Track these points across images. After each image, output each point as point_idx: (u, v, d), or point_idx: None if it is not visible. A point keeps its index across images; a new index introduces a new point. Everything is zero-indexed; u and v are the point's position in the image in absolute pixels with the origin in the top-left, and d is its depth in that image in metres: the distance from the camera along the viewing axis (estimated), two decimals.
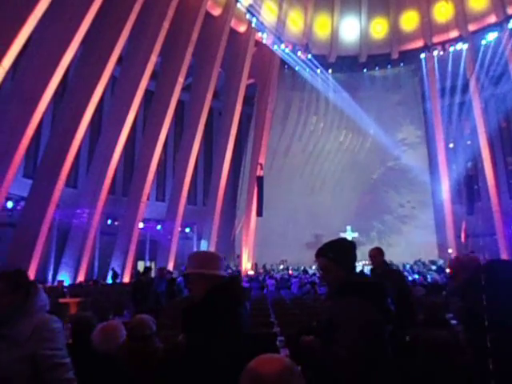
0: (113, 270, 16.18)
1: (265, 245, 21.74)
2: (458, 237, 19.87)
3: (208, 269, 2.00)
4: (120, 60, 16.27)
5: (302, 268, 19.60)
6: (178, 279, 15.19)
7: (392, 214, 22.03)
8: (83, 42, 14.02)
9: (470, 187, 18.95)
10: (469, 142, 20.73)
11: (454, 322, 4.65)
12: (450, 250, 20.17)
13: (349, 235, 21.05)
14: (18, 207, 14.18)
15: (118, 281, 15.85)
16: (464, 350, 2.48)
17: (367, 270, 19.35)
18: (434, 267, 18.92)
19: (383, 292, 1.92)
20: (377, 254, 4.65)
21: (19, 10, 11.28)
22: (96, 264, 17.80)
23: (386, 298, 1.90)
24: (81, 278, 15.26)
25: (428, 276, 15.72)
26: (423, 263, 19.26)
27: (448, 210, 20.68)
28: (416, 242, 20.17)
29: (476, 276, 1.99)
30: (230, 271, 18.22)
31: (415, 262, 19.45)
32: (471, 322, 1.83)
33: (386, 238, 21.24)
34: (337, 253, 2.00)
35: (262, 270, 20.04)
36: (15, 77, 13.28)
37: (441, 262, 19.50)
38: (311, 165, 23.12)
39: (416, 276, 15.80)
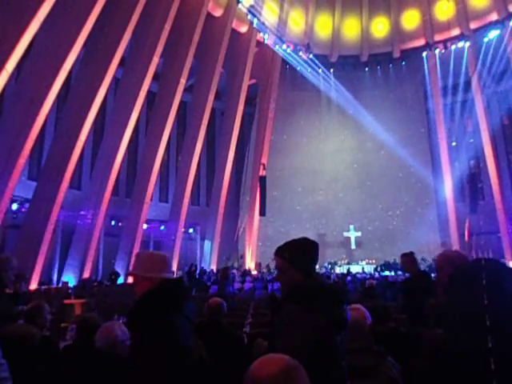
0: (113, 270, 16.24)
1: (268, 245, 21.77)
2: (461, 235, 19.83)
3: (151, 271, 2.00)
4: (122, 62, 16.35)
5: None
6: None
7: (395, 212, 22.01)
8: (86, 45, 14.11)
9: (473, 185, 18.94)
10: (471, 140, 20.70)
11: None
12: (453, 248, 20.16)
13: (352, 234, 21.11)
14: (23, 209, 14.29)
15: (118, 282, 15.89)
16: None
17: (369, 269, 19.41)
18: None
19: (337, 298, 1.80)
20: (407, 261, 4.72)
21: (22, 14, 11.37)
22: (100, 265, 17.89)
23: (341, 305, 1.78)
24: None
25: (432, 275, 15.69)
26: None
27: (451, 208, 20.66)
28: (419, 241, 20.12)
29: (462, 272, 1.96)
30: (234, 271, 18.28)
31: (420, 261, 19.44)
32: (456, 318, 1.80)
33: (389, 238, 21.22)
34: (293, 253, 1.88)
35: (265, 270, 20.06)
36: (19, 79, 13.38)
37: None
38: (314, 164, 23.12)
39: None
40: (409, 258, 4.69)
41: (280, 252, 1.92)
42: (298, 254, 1.88)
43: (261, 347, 2.14)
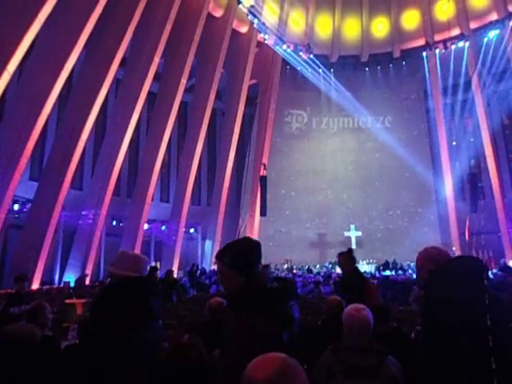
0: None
1: (269, 245, 21.81)
2: (462, 234, 19.86)
3: (118, 269, 2.16)
4: (123, 62, 16.39)
5: (306, 267, 19.66)
6: (183, 280, 15.31)
7: (395, 212, 22.03)
8: (86, 45, 14.15)
9: (473, 185, 18.93)
10: (472, 140, 20.72)
11: None
12: (454, 248, 20.17)
13: (352, 234, 21.12)
14: (25, 209, 14.33)
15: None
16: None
17: (369, 268, 19.42)
18: None
19: (279, 297, 1.79)
20: (345, 259, 4.63)
21: (23, 15, 11.42)
22: (102, 265, 17.94)
23: (283, 303, 1.79)
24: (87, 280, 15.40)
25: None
26: None
27: (451, 207, 20.69)
28: (420, 241, 20.12)
29: (441, 269, 1.98)
30: None
31: None
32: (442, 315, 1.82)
33: (390, 237, 21.26)
34: (233, 257, 1.84)
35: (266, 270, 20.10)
36: (20, 80, 13.43)
37: None
38: (314, 164, 23.15)
39: None
40: (346, 256, 4.63)
41: (220, 257, 1.87)
42: (239, 258, 1.84)
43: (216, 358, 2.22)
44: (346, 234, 21.27)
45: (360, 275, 4.62)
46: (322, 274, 16.99)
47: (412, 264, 18.93)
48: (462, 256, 2.11)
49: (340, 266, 4.95)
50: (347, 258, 4.61)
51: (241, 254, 1.86)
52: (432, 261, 2.08)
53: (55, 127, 16.25)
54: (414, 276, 14.47)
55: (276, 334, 1.65)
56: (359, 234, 21.13)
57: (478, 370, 1.71)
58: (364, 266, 19.40)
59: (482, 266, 2.02)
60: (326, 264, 20.04)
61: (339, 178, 22.88)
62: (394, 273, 17.35)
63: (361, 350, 2.18)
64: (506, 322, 1.83)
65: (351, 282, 4.37)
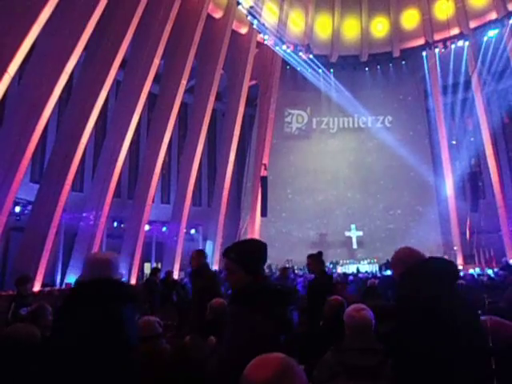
0: None
1: (270, 245, 21.80)
2: (462, 234, 19.86)
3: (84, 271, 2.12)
4: (123, 64, 16.41)
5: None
6: (185, 280, 15.30)
7: (396, 212, 22.04)
8: (86, 47, 14.17)
9: (473, 184, 18.94)
10: (472, 139, 20.72)
11: None
12: (455, 247, 20.17)
13: (353, 234, 21.14)
14: (26, 211, 14.34)
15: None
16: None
17: (370, 268, 19.42)
18: None
19: (281, 300, 1.81)
20: (313, 262, 4.56)
21: (23, 18, 11.44)
22: None
23: (284, 306, 1.80)
24: None
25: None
26: None
27: (452, 207, 20.69)
28: (421, 241, 20.14)
29: (411, 270, 1.99)
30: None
31: None
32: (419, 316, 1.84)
33: (390, 237, 21.26)
34: (240, 254, 1.89)
35: (267, 270, 20.13)
36: (21, 83, 13.46)
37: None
38: (315, 164, 23.17)
39: None
40: (315, 259, 4.54)
41: (228, 253, 1.93)
42: (246, 256, 1.89)
43: (210, 345, 2.21)
44: (347, 233, 21.29)
45: (328, 277, 4.59)
46: None
47: None
48: (433, 257, 2.12)
49: (308, 269, 4.88)
50: (316, 261, 4.55)
51: (248, 253, 1.92)
52: (402, 262, 2.12)
53: (56, 129, 16.27)
54: None
55: (275, 335, 1.67)
56: (360, 233, 21.15)
57: (450, 369, 1.74)
58: (365, 266, 19.42)
59: (454, 267, 2.06)
60: (328, 264, 20.03)
61: (340, 178, 22.88)
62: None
63: (362, 351, 2.19)
64: (473, 322, 1.87)
65: (320, 283, 4.35)
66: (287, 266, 20.51)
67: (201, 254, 4.59)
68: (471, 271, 16.19)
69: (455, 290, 1.95)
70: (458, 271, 2.12)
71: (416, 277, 1.95)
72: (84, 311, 1.86)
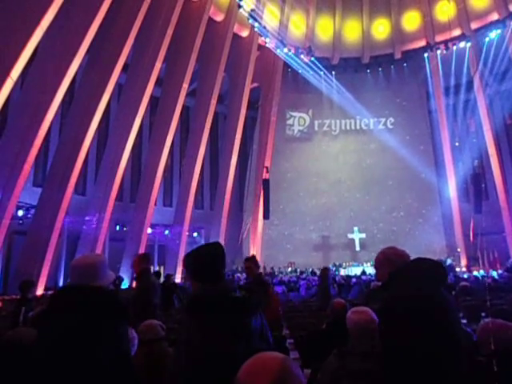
0: (116, 275, 16.27)
1: (272, 247, 21.80)
2: (466, 235, 19.76)
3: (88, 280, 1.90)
4: (125, 67, 16.47)
5: (310, 270, 19.61)
6: (187, 283, 15.28)
7: (399, 214, 21.97)
8: (89, 51, 14.23)
9: (477, 185, 18.86)
10: (474, 140, 20.66)
11: (463, 321, 4.68)
12: (458, 249, 20.07)
13: (356, 236, 21.08)
14: (29, 215, 14.38)
15: (123, 286, 15.95)
16: (477, 351, 2.51)
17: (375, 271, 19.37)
18: None
19: (237, 308, 1.69)
20: (251, 265, 4.37)
21: (26, 22, 11.51)
22: None
23: (240, 315, 1.66)
24: None
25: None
26: None
27: (455, 208, 20.60)
28: (424, 242, 20.08)
29: (400, 271, 1.95)
30: (238, 275, 18.30)
31: None
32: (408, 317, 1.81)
33: (392, 240, 21.19)
34: (189, 262, 1.83)
35: (270, 271, 20.09)
36: (23, 87, 13.52)
37: (449, 261, 19.41)
38: (317, 166, 23.15)
39: None
40: (251, 262, 4.41)
41: (184, 260, 1.87)
42: (195, 264, 1.82)
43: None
44: (350, 236, 21.24)
45: (263, 281, 4.48)
46: None
47: None
48: (421, 258, 2.09)
49: (247, 273, 4.72)
50: (253, 264, 4.42)
51: (193, 259, 1.84)
52: (390, 261, 2.08)
53: (58, 133, 16.34)
54: None
55: (226, 346, 1.57)
56: (363, 236, 21.08)
57: (442, 369, 1.72)
58: (368, 268, 19.32)
59: (442, 269, 2.03)
60: (331, 266, 19.98)
61: (342, 180, 22.85)
62: None
63: (364, 355, 2.16)
64: (458, 322, 1.88)
65: (255, 287, 4.27)
66: (289, 269, 20.53)
67: (142, 258, 4.37)
68: (475, 273, 16.09)
69: (443, 291, 1.93)
70: (447, 273, 2.10)
71: (407, 277, 1.93)
72: (58, 319, 1.74)
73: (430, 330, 1.75)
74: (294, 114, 23.75)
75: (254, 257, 4.68)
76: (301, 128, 23.83)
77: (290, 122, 23.74)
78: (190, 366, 1.60)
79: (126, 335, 1.85)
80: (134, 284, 4.33)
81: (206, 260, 1.82)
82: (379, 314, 2.03)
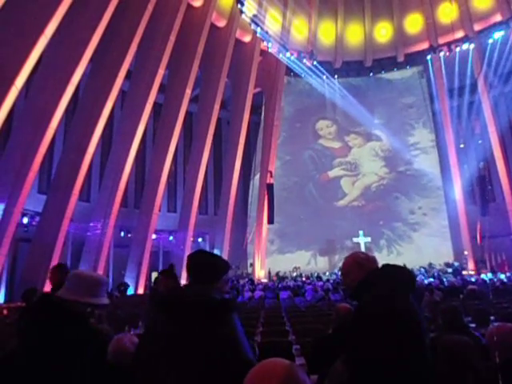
0: (121, 282, 16.26)
1: (278, 252, 21.72)
2: (473, 238, 19.58)
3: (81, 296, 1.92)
4: (128, 74, 16.56)
5: (316, 274, 19.50)
6: None
7: (403, 220, 21.77)
8: (92, 59, 14.33)
9: (482, 187, 18.71)
10: (480, 142, 20.52)
11: (472, 325, 4.59)
12: (465, 252, 19.87)
13: (361, 240, 20.92)
14: (34, 222, 14.42)
15: (128, 293, 15.93)
16: (487, 355, 2.45)
17: None
18: (449, 270, 18.64)
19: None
20: (168, 278, 4.04)
21: (30, 31, 11.61)
22: (110, 276, 17.97)
23: (206, 319, 1.65)
24: None
25: (444, 279, 15.50)
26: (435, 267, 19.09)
27: (462, 211, 20.41)
28: (427, 250, 19.97)
29: (372, 276, 1.89)
30: (242, 282, 18.24)
31: (430, 265, 19.25)
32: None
33: (396, 246, 21.06)
34: (169, 267, 1.89)
35: (275, 278, 20.00)
36: (28, 95, 13.62)
37: (457, 264, 19.23)
38: (321, 170, 23.10)
39: (431, 279, 15.57)
40: (168, 273, 4.23)
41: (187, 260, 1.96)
42: (170, 268, 1.87)
43: None
44: (355, 239, 21.09)
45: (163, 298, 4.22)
46: (331, 281, 16.80)
47: (423, 270, 18.68)
48: (388, 265, 2.02)
49: (157, 287, 4.44)
50: (169, 276, 4.10)
51: (173, 265, 1.91)
52: (359, 266, 1.99)
53: (62, 140, 16.42)
54: (426, 281, 14.25)
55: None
56: (368, 239, 20.93)
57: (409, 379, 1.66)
58: None
59: (412, 274, 1.98)
60: (336, 271, 19.86)
61: (346, 184, 22.77)
62: None
63: None
64: (426, 331, 1.83)
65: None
66: (294, 273, 20.42)
67: (59, 269, 4.06)
68: (483, 276, 15.92)
69: (411, 298, 1.87)
70: (415, 279, 2.04)
71: (376, 284, 1.86)
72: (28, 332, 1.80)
73: (399, 339, 1.68)
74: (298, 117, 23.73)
75: (171, 267, 4.37)
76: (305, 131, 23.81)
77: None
78: (149, 353, 1.63)
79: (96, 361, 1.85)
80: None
81: (190, 264, 1.86)
82: (349, 324, 1.94)
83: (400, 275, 1.91)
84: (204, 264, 1.86)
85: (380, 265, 2.02)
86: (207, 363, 1.52)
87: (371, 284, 1.87)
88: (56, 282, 3.95)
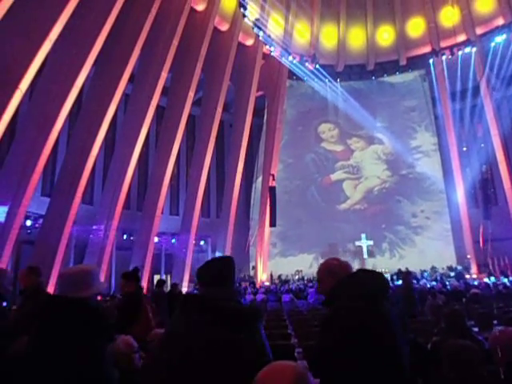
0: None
1: (280, 255, 21.71)
2: (476, 242, 19.50)
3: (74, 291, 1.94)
4: (132, 78, 16.66)
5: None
6: (194, 292, 15.23)
7: (405, 224, 21.71)
8: (96, 62, 14.43)
9: (485, 191, 18.66)
10: (482, 145, 20.48)
11: (475, 329, 4.59)
12: (468, 256, 19.80)
13: (364, 243, 20.89)
14: (37, 225, 14.50)
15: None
16: (490, 359, 2.45)
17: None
18: (452, 273, 18.57)
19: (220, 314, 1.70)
20: (128, 282, 4.00)
21: (34, 35, 11.72)
22: (113, 279, 17.99)
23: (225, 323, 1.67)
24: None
25: (447, 283, 15.45)
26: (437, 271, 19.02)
27: (464, 214, 20.34)
28: (429, 254, 19.92)
29: (342, 284, 1.89)
30: (244, 284, 18.23)
31: (432, 268, 19.19)
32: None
33: (398, 249, 21.01)
34: (133, 270, 1.92)
35: (277, 281, 19.98)
36: (32, 98, 13.71)
37: (459, 268, 19.15)
38: (324, 173, 23.10)
39: (434, 283, 15.52)
40: (129, 276, 4.08)
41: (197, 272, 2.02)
42: (200, 269, 1.95)
43: None
44: (358, 243, 21.07)
45: (141, 298, 4.10)
46: None
47: (426, 273, 18.63)
48: (362, 269, 2.02)
49: (121, 291, 4.29)
50: (130, 278, 4.09)
51: (205, 265, 1.96)
52: (331, 274, 2.00)
53: (66, 143, 16.51)
54: (428, 285, 14.21)
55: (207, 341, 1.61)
56: (371, 243, 20.90)
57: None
58: None
59: (386, 280, 1.98)
60: None
61: (348, 188, 22.76)
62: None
63: None
64: (401, 337, 1.81)
65: (129, 305, 3.97)
66: (296, 276, 20.40)
67: (32, 271, 3.91)
68: (486, 280, 15.86)
69: (385, 303, 1.86)
70: (389, 285, 2.04)
71: (350, 289, 1.85)
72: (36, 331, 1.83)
73: (371, 345, 1.68)
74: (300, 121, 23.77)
75: (136, 270, 4.30)
76: (307, 135, 23.83)
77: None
78: (169, 356, 1.65)
79: (100, 351, 1.84)
80: (21, 302, 3.83)
81: (214, 265, 1.91)
82: (320, 329, 1.94)
83: (372, 281, 1.89)
84: (217, 267, 1.91)
85: (354, 270, 2.03)
86: (236, 368, 1.54)
87: (340, 292, 1.86)
88: (27, 285, 3.84)
